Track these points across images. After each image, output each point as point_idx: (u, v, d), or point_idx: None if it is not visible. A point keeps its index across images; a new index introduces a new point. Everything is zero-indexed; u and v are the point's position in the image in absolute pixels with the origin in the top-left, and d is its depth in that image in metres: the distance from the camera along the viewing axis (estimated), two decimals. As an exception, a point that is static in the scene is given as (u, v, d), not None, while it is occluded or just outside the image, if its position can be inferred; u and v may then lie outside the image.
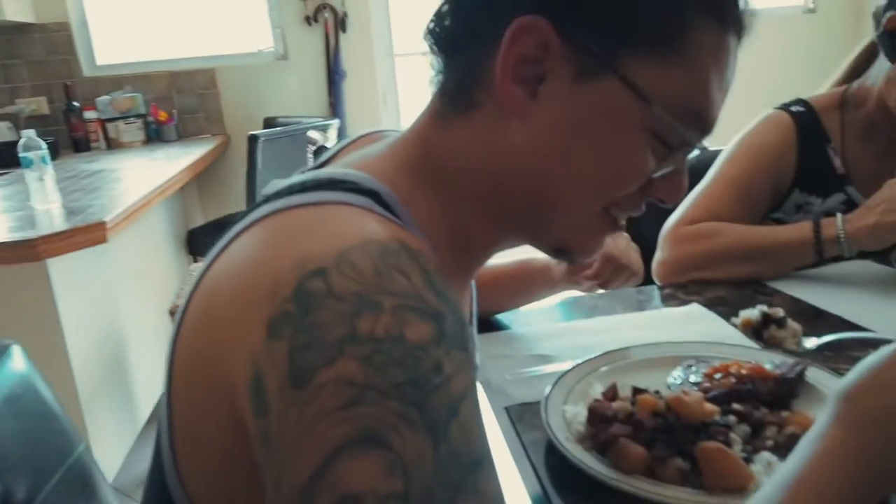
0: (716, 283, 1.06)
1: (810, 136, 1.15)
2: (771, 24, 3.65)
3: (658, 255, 1.13)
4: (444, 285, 0.43)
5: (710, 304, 0.98)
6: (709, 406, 0.62)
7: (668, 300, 1.05)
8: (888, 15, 1.02)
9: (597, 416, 0.63)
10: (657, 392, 0.65)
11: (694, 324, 0.93)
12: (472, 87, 0.53)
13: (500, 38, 0.49)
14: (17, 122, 3.19)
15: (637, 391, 0.65)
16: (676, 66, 0.49)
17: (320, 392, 0.37)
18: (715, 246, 1.06)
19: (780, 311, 0.87)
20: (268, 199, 0.50)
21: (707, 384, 0.70)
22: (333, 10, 3.42)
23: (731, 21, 0.51)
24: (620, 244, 0.88)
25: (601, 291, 0.96)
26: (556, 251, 0.58)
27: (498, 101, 0.51)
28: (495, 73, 0.50)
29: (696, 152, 0.54)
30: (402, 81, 3.65)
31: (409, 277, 0.40)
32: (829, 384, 0.70)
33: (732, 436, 0.60)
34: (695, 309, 0.98)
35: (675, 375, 0.74)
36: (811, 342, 0.84)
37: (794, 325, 0.86)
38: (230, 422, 0.43)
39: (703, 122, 0.52)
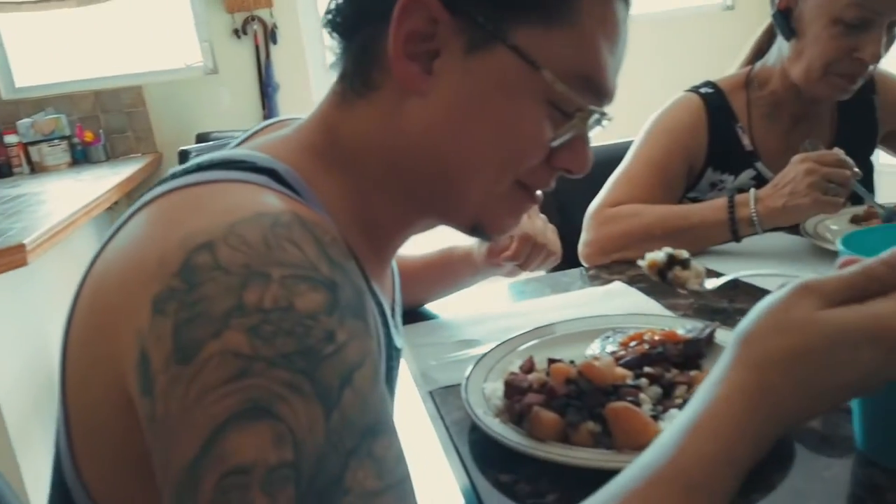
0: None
1: (719, 115, 1.20)
2: (691, 21, 3.79)
3: (582, 238, 1.15)
4: (342, 256, 0.43)
5: (632, 282, 1.01)
6: (620, 370, 0.64)
7: (593, 280, 1.07)
8: (780, -5, 1.07)
9: (512, 389, 0.63)
10: (571, 361, 0.66)
11: (616, 299, 0.95)
12: (369, 68, 0.53)
13: (391, 17, 0.49)
14: (-68, 151, 3.05)
15: (552, 362, 0.66)
16: (565, 33, 0.50)
17: (206, 366, 0.36)
18: (636, 226, 1.09)
19: (684, 253, 0.89)
20: (162, 181, 0.49)
21: (622, 352, 0.71)
22: (262, 21, 3.39)
23: None
24: (537, 224, 0.89)
25: (524, 275, 0.97)
26: (470, 228, 0.58)
27: (395, 79, 0.52)
28: (389, 52, 0.50)
29: (597, 120, 0.55)
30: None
31: (300, 248, 0.40)
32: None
33: (642, 396, 0.61)
34: (617, 286, 1.00)
35: (593, 347, 0.76)
36: (712, 282, 0.88)
37: (697, 266, 0.89)
38: (123, 407, 0.42)
39: (596, 87, 0.53)
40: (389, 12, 0.49)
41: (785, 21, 1.08)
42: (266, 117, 3.44)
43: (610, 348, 0.73)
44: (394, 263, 0.71)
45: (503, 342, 0.78)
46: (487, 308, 0.99)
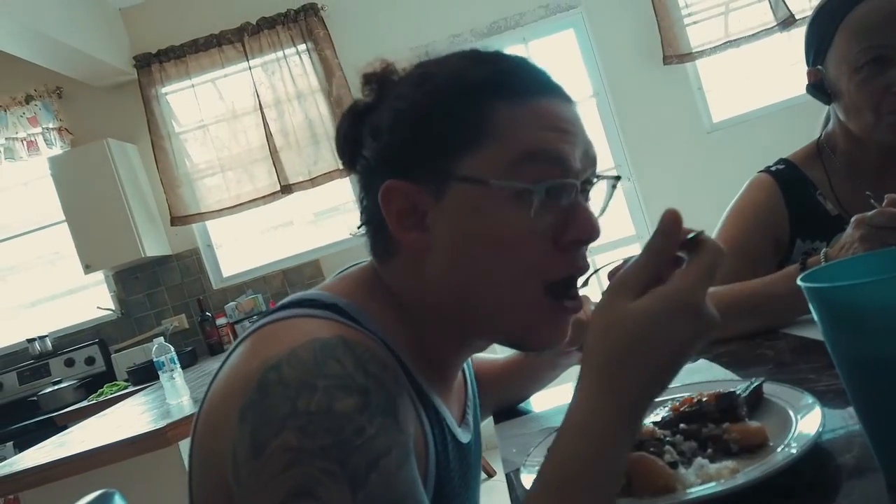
0: (726, 341, 1.10)
1: (795, 187, 1.22)
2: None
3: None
4: (378, 367, 0.56)
5: (715, 359, 1.03)
6: (647, 428, 0.70)
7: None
8: (807, 71, 1.13)
9: (554, 455, 0.71)
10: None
11: (695, 376, 0.98)
12: (384, 242, 0.67)
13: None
14: (166, 340, 3.72)
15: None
16: (494, 144, 0.60)
17: (270, 459, 0.51)
18: (717, 306, 1.11)
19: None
20: (263, 314, 0.67)
21: (670, 416, 0.76)
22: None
23: (522, 93, 0.61)
24: (587, 307, 0.95)
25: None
26: (517, 345, 0.67)
27: (405, 247, 0.65)
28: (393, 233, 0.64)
29: (582, 186, 0.62)
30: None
31: (341, 363, 0.54)
32: (785, 397, 0.74)
33: (667, 448, 0.66)
34: (700, 364, 1.03)
35: (650, 416, 0.81)
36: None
37: None
38: (229, 497, 0.56)
39: (548, 158, 0.60)
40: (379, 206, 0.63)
41: (819, 91, 1.13)
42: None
43: (661, 414, 0.78)
44: (469, 369, 0.82)
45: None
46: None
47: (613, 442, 0.50)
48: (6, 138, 3.84)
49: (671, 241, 0.52)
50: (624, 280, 0.52)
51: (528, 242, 0.60)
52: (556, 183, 0.60)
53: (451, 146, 0.61)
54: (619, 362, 0.51)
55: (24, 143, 3.85)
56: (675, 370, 0.52)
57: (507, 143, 0.60)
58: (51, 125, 3.83)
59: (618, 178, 0.69)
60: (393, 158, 0.64)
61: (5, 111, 3.83)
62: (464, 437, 0.74)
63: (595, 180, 0.65)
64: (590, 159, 0.65)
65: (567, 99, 0.65)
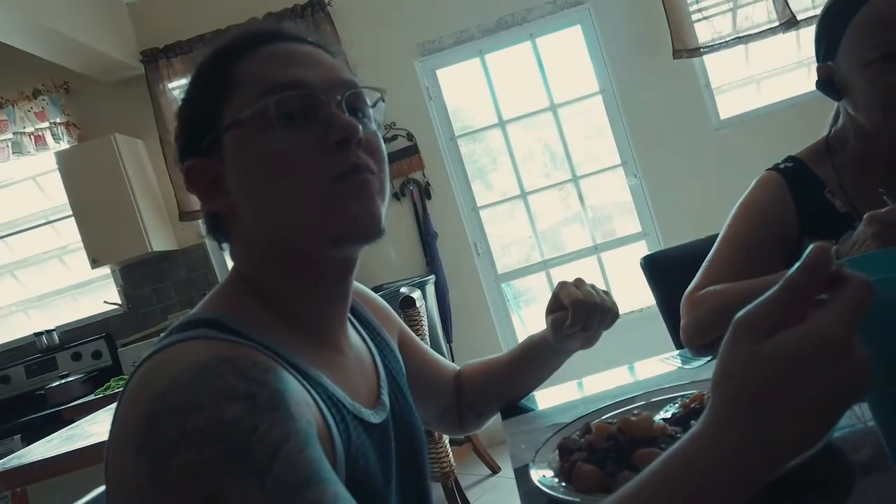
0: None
1: (802, 185, 1.21)
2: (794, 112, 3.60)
3: (681, 322, 1.19)
4: (259, 372, 0.58)
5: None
6: (658, 425, 0.70)
7: (691, 361, 1.10)
8: (817, 67, 1.12)
9: (564, 451, 0.71)
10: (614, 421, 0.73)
11: (705, 374, 0.98)
12: (215, 229, 0.75)
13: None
14: (171, 334, 3.73)
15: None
16: (239, 90, 0.69)
17: (172, 480, 0.53)
18: (724, 303, 1.11)
19: None
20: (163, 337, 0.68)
21: (680, 413, 0.76)
22: (417, 182, 3.83)
23: (253, 46, 0.70)
24: (585, 289, 0.95)
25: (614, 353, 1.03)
26: (332, 239, 0.68)
27: (226, 219, 0.72)
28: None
29: (341, 102, 0.68)
30: (489, 229, 3.93)
31: (221, 378, 0.57)
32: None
33: (677, 444, 0.66)
34: (700, 359, 1.03)
35: (660, 414, 0.81)
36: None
37: None
38: None
39: (286, 86, 0.67)
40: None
41: (829, 87, 1.12)
42: (429, 264, 3.79)
43: (672, 411, 0.79)
44: (377, 352, 0.86)
45: (582, 416, 0.86)
46: (583, 395, 1.07)
47: (734, 494, 0.43)
48: (14, 133, 3.85)
49: (816, 279, 0.44)
50: (751, 316, 0.45)
51: (295, 156, 0.67)
52: (286, 95, 0.66)
53: (210, 108, 0.70)
54: (752, 408, 0.43)
55: (32, 137, 3.86)
56: (829, 417, 0.43)
57: (250, 87, 0.68)
58: (58, 120, 3.84)
59: (384, 90, 0.75)
60: (183, 143, 0.72)
61: (13, 106, 3.84)
62: (375, 417, 0.75)
63: (347, 94, 0.70)
64: (337, 81, 0.70)
65: (300, 39, 0.73)
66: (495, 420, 1.11)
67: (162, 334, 0.69)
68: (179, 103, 0.73)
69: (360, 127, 0.68)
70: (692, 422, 0.71)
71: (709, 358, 1.02)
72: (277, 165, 0.67)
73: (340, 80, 0.71)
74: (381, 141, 0.73)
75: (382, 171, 0.72)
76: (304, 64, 0.70)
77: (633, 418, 0.69)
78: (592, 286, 0.96)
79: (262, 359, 0.61)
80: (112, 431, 0.63)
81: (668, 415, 0.76)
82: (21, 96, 3.84)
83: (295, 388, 0.61)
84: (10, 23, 2.97)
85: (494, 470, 3.25)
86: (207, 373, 0.57)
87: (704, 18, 3.68)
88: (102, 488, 1.05)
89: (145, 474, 0.54)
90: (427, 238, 3.83)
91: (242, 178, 0.69)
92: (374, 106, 0.74)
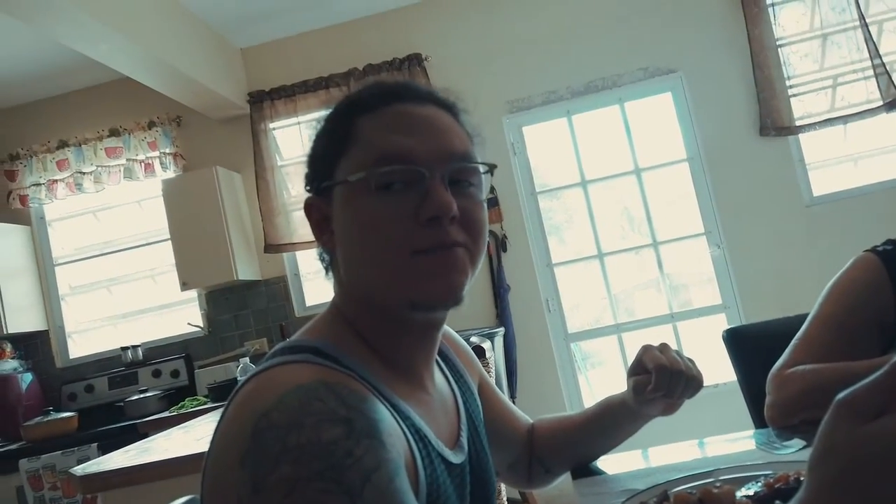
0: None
1: (903, 269, 1.18)
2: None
3: (767, 401, 1.16)
4: (357, 400, 0.62)
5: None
6: (741, 500, 0.69)
7: (774, 443, 1.06)
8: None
9: (641, 516, 0.71)
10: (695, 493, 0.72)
11: (785, 454, 0.95)
12: (325, 261, 0.81)
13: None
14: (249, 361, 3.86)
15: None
16: (357, 149, 0.74)
17: (270, 491, 0.57)
18: (814, 384, 1.08)
19: None
20: (265, 359, 0.73)
21: (763, 492, 0.75)
22: (494, 234, 3.88)
23: (376, 104, 0.75)
24: (670, 355, 0.94)
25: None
26: (410, 305, 0.72)
27: (332, 256, 0.78)
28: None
29: (444, 175, 0.71)
30: (563, 287, 3.91)
31: (323, 401, 0.61)
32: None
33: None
34: (794, 442, 1.00)
35: (741, 491, 0.79)
36: None
37: None
38: None
39: (395, 157, 0.71)
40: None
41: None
42: (499, 316, 3.80)
43: (755, 489, 0.77)
44: (459, 394, 0.88)
45: (658, 484, 0.85)
46: (657, 463, 1.05)
47: None
48: (127, 159, 4.16)
49: None
50: (853, 398, 0.45)
51: (388, 222, 0.71)
52: (388, 170, 0.71)
53: (330, 158, 0.76)
54: (846, 491, 0.43)
55: (142, 164, 4.16)
56: None
57: (366, 147, 0.73)
58: (168, 150, 4.13)
59: (494, 165, 0.77)
60: (307, 180, 0.79)
61: (129, 134, 4.16)
62: (455, 457, 0.78)
63: (454, 168, 0.73)
64: (445, 154, 0.73)
65: (425, 99, 0.76)
66: (566, 479, 1.11)
67: (266, 355, 0.75)
68: (312, 139, 0.80)
69: (454, 205, 0.70)
70: (777, 502, 0.70)
71: (803, 444, 0.98)
72: (370, 227, 0.72)
73: (448, 153, 0.73)
74: (483, 212, 0.76)
75: (477, 244, 0.74)
76: (417, 132, 0.73)
77: (716, 490, 0.68)
78: (678, 352, 0.96)
79: (359, 387, 0.65)
80: (213, 444, 0.67)
81: (751, 492, 0.75)
82: (137, 126, 4.16)
83: (387, 420, 0.64)
84: (136, 59, 3.25)
85: (550, 534, 3.15)
86: (311, 396, 0.61)
87: (800, 94, 3.62)
88: (184, 499, 1.10)
89: (248, 484, 0.58)
90: (499, 290, 3.85)
91: (341, 229, 0.75)
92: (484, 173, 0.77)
